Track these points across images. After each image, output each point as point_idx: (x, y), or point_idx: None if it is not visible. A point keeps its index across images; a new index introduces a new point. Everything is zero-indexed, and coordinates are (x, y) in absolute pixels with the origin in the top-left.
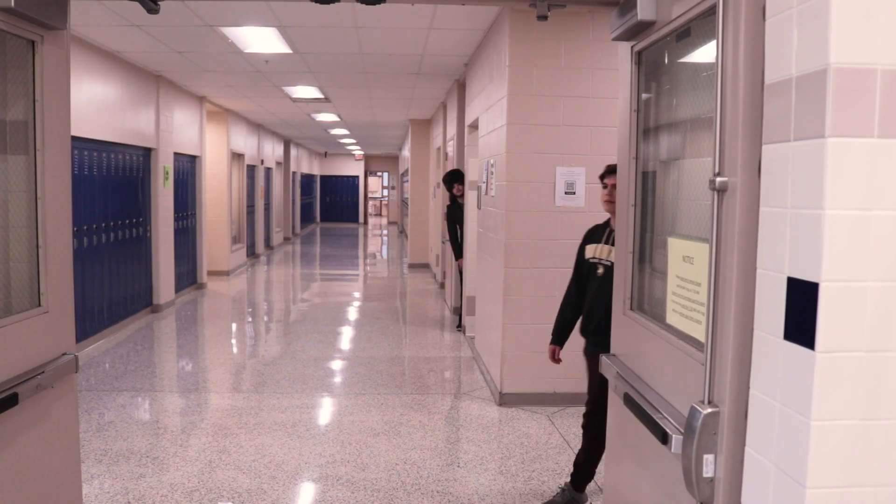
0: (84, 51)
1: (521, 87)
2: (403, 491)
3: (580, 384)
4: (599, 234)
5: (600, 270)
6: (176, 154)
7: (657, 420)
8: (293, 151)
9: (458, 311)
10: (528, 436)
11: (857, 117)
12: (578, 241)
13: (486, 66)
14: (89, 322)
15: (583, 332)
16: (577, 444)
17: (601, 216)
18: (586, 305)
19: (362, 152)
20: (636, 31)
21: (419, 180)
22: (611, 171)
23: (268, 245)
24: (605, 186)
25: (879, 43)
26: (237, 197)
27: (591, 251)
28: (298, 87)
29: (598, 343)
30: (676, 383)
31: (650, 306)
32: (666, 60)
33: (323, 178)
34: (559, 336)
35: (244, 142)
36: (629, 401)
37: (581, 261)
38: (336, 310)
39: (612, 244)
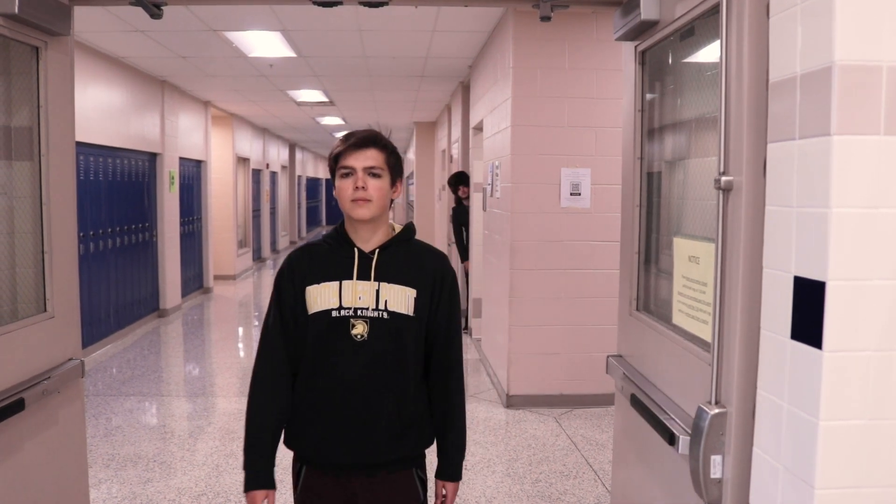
0: (88, 57)
1: (526, 88)
2: None
3: (587, 385)
4: (332, 261)
5: (359, 331)
6: (181, 159)
7: (664, 421)
8: (298, 155)
9: (464, 314)
10: (535, 438)
11: (863, 115)
12: (585, 242)
13: (490, 67)
14: (96, 327)
15: (314, 446)
16: (584, 445)
17: (607, 218)
18: (333, 399)
19: None
20: (639, 30)
21: (424, 183)
22: (357, 144)
23: (274, 249)
24: (347, 173)
25: (885, 40)
26: (243, 201)
27: (331, 295)
28: (303, 90)
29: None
30: (683, 384)
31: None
32: (670, 60)
33: (328, 181)
34: (267, 469)
35: (249, 146)
36: (636, 402)
37: (297, 314)
38: None
39: (380, 278)
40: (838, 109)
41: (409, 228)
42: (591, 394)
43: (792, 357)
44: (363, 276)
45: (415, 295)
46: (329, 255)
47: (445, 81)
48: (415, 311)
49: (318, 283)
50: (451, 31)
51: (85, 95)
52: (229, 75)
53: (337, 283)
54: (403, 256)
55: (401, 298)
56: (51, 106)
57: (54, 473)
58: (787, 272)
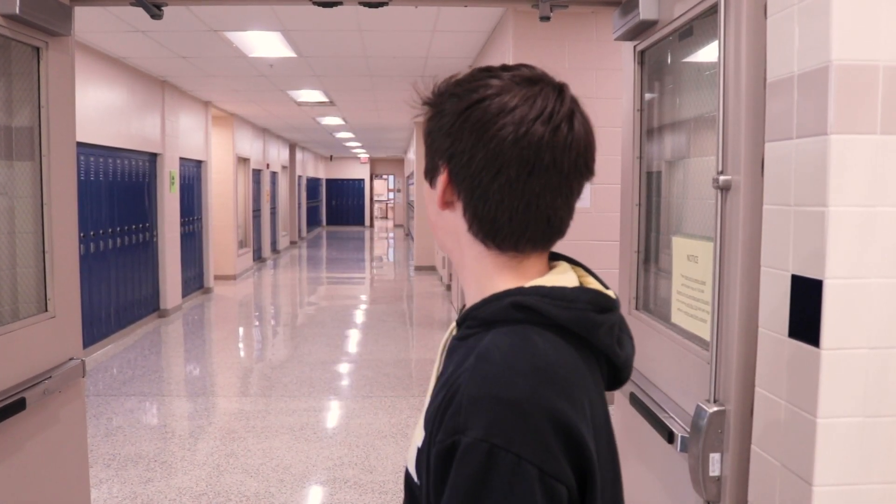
0: (89, 57)
1: None
2: None
3: None
4: None
5: None
6: (182, 159)
7: (663, 419)
8: (298, 155)
9: None
10: None
11: (860, 114)
12: (585, 242)
13: None
14: (96, 327)
15: None
16: None
17: (607, 217)
18: None
19: (368, 155)
20: (639, 30)
21: (425, 183)
22: None
23: (274, 249)
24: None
25: (881, 39)
26: (243, 201)
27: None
28: (303, 90)
29: None
30: (682, 382)
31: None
32: (669, 60)
33: (328, 181)
34: None
35: (250, 146)
36: (635, 400)
37: None
38: (343, 313)
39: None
40: (835, 108)
41: (510, 301)
42: None
43: (790, 355)
44: None
45: (419, 443)
46: None
47: None
48: (419, 476)
49: None
50: (451, 31)
51: (86, 96)
52: (230, 75)
53: None
54: (461, 356)
55: (413, 446)
56: (52, 106)
57: (55, 473)
58: (785, 270)
